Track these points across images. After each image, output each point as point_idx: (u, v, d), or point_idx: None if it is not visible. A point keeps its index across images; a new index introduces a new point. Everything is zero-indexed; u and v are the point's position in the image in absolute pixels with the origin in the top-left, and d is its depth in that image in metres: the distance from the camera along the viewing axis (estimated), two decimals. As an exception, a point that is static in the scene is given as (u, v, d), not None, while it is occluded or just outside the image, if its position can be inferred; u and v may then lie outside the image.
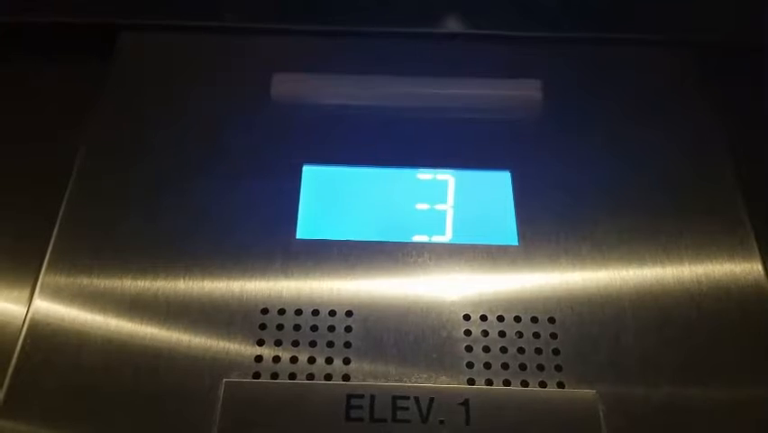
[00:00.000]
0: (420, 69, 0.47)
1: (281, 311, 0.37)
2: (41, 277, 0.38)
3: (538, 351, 0.36)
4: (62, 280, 0.38)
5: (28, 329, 0.36)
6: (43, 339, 0.36)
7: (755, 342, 0.37)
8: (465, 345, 0.36)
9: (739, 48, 0.51)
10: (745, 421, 0.35)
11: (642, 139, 0.45)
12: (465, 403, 0.34)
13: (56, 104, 0.48)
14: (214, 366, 0.35)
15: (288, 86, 0.46)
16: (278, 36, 0.49)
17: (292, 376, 0.35)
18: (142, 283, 0.38)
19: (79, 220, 0.40)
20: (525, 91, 0.46)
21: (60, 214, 0.40)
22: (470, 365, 0.36)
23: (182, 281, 0.38)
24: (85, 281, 0.38)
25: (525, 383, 0.35)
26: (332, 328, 0.37)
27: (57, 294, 0.37)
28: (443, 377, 0.35)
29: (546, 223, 0.41)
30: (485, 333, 0.37)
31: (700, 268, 0.39)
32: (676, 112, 0.46)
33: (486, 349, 0.36)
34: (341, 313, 0.37)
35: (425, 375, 0.35)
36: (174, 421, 0.34)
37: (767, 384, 0.36)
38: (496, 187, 0.42)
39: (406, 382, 0.35)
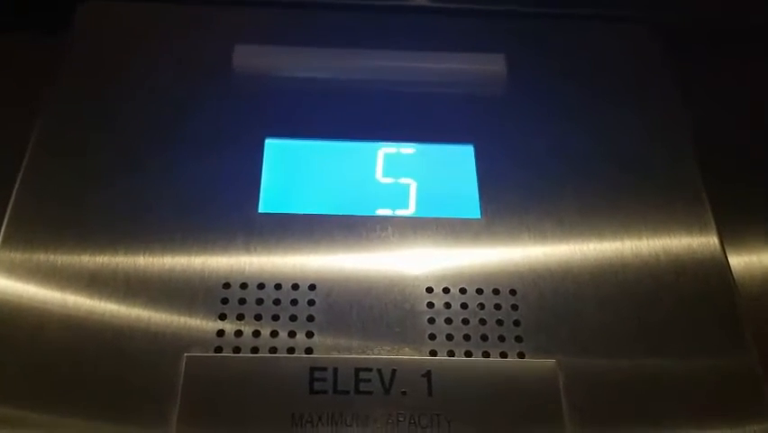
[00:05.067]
0: (384, 43, 0.47)
1: (243, 285, 0.37)
2: (-5, 253, 0.37)
3: (499, 322, 0.37)
4: (18, 256, 0.37)
5: (-17, 307, 0.35)
6: (-1, 317, 0.35)
7: (712, 314, 0.38)
8: (428, 317, 0.37)
9: (701, 25, 0.51)
10: (701, 391, 0.35)
11: (604, 114, 0.45)
12: (427, 375, 0.35)
13: (13, 75, 0.47)
14: (176, 342, 0.35)
15: (250, 58, 0.45)
16: (241, 7, 0.48)
17: (255, 350, 0.35)
18: (101, 259, 0.37)
19: (36, 195, 0.39)
20: (490, 65, 0.46)
21: (16, 188, 0.39)
22: (432, 337, 0.36)
23: (142, 257, 0.38)
24: (42, 258, 0.37)
25: (486, 354, 0.36)
26: (294, 302, 0.37)
27: (12, 271, 0.37)
28: (406, 349, 0.36)
29: (509, 197, 0.41)
30: (447, 305, 0.37)
31: (658, 243, 0.40)
32: (638, 88, 0.46)
33: (448, 321, 0.37)
34: (304, 287, 0.37)
35: (387, 348, 0.35)
36: (135, 398, 0.34)
37: (723, 355, 0.37)
38: (459, 160, 0.42)
39: (368, 354, 0.35)
